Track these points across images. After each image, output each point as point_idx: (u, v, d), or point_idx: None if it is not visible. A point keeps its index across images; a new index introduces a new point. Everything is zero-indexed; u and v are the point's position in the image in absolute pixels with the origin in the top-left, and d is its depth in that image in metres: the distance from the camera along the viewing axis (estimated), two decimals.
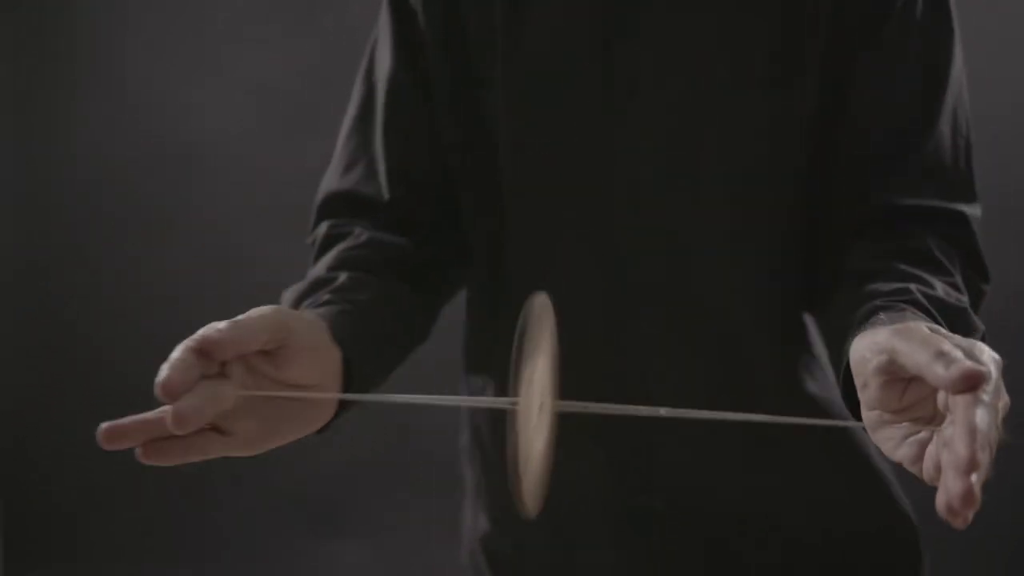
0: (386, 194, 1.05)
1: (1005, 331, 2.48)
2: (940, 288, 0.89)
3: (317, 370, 0.83)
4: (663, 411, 0.74)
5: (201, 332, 0.75)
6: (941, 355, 0.68)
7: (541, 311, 0.74)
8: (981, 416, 0.65)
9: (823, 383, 1.06)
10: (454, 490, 1.22)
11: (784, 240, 1.02)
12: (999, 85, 2.66)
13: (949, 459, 0.65)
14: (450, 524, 1.24)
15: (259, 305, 0.81)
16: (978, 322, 0.89)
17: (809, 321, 1.06)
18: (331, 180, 1.09)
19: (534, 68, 1.01)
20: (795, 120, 0.99)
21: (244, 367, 0.77)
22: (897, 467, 1.13)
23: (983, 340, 0.89)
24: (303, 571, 2.91)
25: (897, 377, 0.73)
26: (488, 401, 0.75)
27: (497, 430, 1.10)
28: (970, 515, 0.63)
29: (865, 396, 0.75)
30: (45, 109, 3.10)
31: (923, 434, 0.72)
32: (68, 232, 3.08)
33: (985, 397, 0.66)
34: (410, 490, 2.91)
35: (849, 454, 1.08)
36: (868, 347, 0.75)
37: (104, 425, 0.70)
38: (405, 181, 1.06)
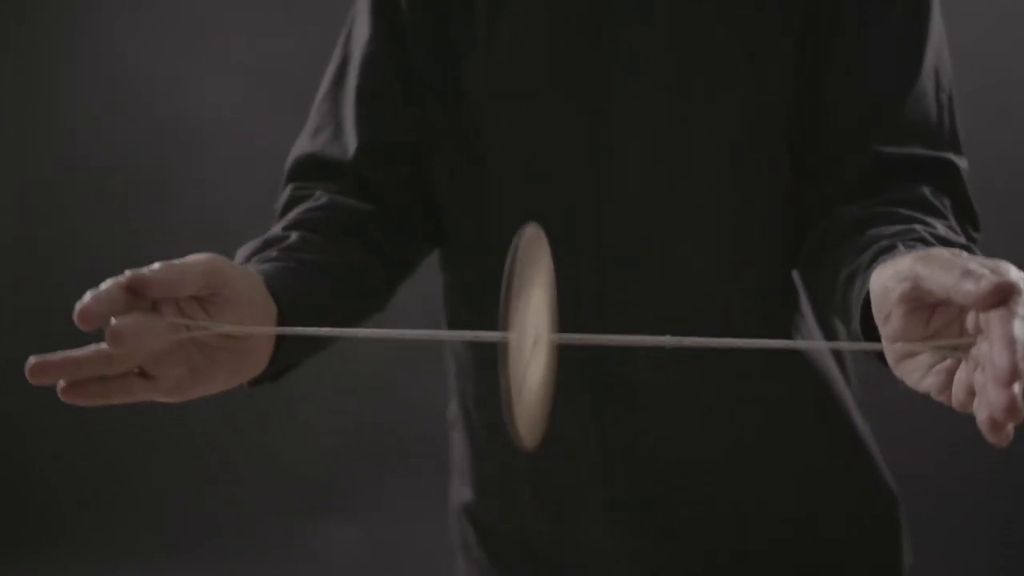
0: (350, 152, 1.04)
1: None
2: (941, 228, 0.87)
3: (251, 322, 0.79)
4: (667, 339, 0.71)
5: (134, 270, 0.72)
6: (968, 273, 0.65)
7: (533, 243, 0.70)
8: (1019, 327, 0.62)
9: (812, 340, 1.06)
10: (445, 469, 1.21)
11: (772, 213, 1.01)
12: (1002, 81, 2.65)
13: (989, 373, 0.62)
14: (441, 503, 1.23)
15: None
16: None
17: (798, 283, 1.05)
18: (301, 144, 1.08)
19: (517, 45, 1.00)
20: (779, 89, 0.98)
21: (176, 311, 0.75)
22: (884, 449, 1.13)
23: None
24: (295, 553, 2.91)
25: (922, 304, 0.70)
26: (476, 335, 0.70)
27: (480, 395, 1.10)
28: (1011, 429, 0.61)
29: (888, 329, 0.72)
30: (38, 88, 3.09)
31: (949, 362, 0.69)
32: (63, 214, 3.07)
33: (1019, 310, 0.63)
34: (401, 470, 2.90)
35: (836, 421, 1.08)
36: (890, 277, 0.72)
37: (32, 358, 0.68)
38: (372, 145, 1.04)
